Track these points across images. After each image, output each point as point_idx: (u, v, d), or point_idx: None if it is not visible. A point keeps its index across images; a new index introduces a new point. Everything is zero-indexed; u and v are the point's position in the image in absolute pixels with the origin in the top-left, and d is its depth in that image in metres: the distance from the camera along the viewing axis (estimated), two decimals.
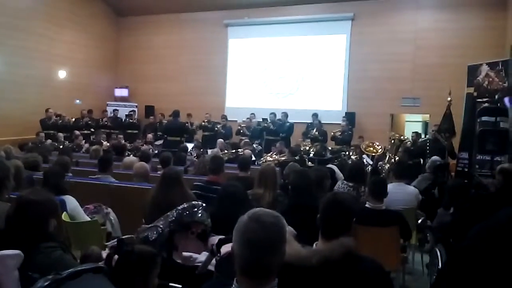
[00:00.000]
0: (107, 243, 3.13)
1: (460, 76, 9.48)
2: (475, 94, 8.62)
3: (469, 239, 1.91)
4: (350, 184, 4.95)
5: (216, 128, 12.37)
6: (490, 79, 8.35)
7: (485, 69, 8.52)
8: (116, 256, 1.99)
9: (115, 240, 2.47)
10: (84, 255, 2.56)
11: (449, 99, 8.92)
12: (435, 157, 7.29)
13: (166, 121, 12.33)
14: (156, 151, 9.64)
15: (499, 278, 1.68)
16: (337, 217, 2.20)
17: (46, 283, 1.54)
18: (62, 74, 13.64)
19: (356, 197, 4.66)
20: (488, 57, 9.23)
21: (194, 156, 8.62)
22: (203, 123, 12.73)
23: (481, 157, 7.53)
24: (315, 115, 12.28)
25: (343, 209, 2.24)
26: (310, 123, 12.22)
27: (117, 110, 14.20)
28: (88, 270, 1.67)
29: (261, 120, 12.48)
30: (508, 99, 7.45)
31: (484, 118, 7.69)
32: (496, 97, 7.83)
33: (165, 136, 11.55)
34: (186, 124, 12.35)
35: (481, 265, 1.73)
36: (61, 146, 9.75)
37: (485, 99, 8.24)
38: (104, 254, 2.31)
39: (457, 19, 11.90)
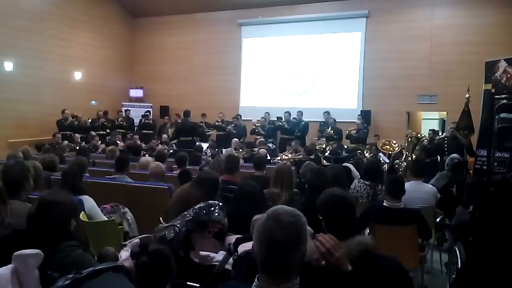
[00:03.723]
0: (124, 243, 3.14)
1: (477, 73, 9.34)
2: (493, 90, 8.48)
3: (488, 237, 1.88)
4: (367, 182, 4.91)
5: (228, 129, 12.39)
6: (508, 75, 8.21)
7: (503, 65, 8.38)
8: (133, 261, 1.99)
9: (132, 240, 2.49)
10: (100, 255, 2.57)
11: (467, 96, 8.79)
12: (454, 155, 7.18)
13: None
14: (171, 151, 9.69)
15: None
16: (344, 214, 2.18)
17: (67, 282, 1.55)
18: (77, 75, 13.78)
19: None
20: (505, 53, 9.06)
21: (209, 156, 8.65)
22: (216, 123, 12.77)
23: (500, 154, 7.43)
24: (326, 113, 12.26)
25: (348, 204, 2.23)
26: (324, 121, 12.18)
27: (129, 110, 14.27)
28: (108, 269, 1.67)
29: (275, 119, 12.48)
30: None
31: (502, 115, 7.58)
32: None
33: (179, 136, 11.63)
34: (200, 123, 12.42)
35: (500, 262, 1.70)
36: (77, 147, 9.85)
37: (503, 96, 8.10)
38: (122, 253, 2.32)
39: (473, 15, 11.73)
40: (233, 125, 12.48)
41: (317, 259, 1.80)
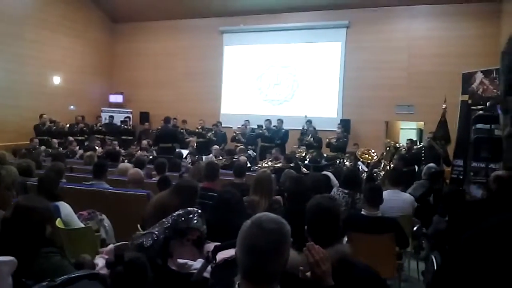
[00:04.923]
0: (101, 249, 3.09)
1: (455, 84, 9.53)
2: (469, 101, 8.66)
3: (462, 243, 1.91)
4: (346, 191, 4.94)
5: (208, 136, 12.35)
6: (485, 87, 8.41)
7: (479, 76, 8.58)
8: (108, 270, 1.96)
9: (109, 247, 2.46)
10: (77, 263, 2.54)
11: (444, 106, 8.94)
12: (431, 164, 7.28)
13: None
14: (151, 157, 9.60)
15: (491, 280, 1.68)
16: (327, 225, 2.18)
17: None
18: (56, 80, 13.60)
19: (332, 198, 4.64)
20: (482, 65, 9.27)
21: (189, 163, 8.60)
22: (197, 130, 12.72)
23: (476, 164, 7.55)
24: (309, 122, 12.30)
25: (332, 216, 2.22)
26: (305, 129, 12.23)
27: (112, 116, 14.12)
28: (83, 276, 1.65)
29: (255, 126, 12.49)
30: (500, 107, 7.48)
31: (478, 126, 7.71)
32: (488, 104, 7.85)
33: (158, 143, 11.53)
34: (181, 130, 12.34)
35: (473, 267, 1.73)
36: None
37: (479, 107, 8.28)
38: (98, 260, 2.29)
39: (451, 27, 11.97)
40: (213, 132, 12.46)
41: (303, 271, 1.80)
